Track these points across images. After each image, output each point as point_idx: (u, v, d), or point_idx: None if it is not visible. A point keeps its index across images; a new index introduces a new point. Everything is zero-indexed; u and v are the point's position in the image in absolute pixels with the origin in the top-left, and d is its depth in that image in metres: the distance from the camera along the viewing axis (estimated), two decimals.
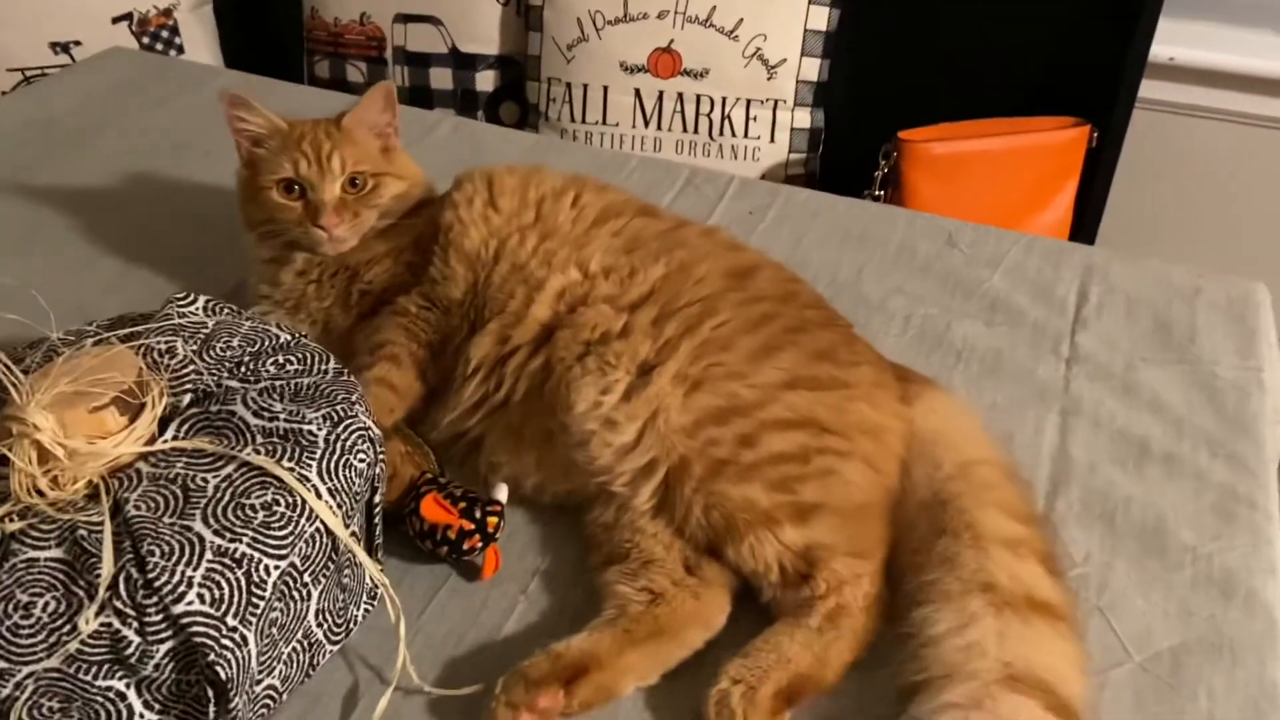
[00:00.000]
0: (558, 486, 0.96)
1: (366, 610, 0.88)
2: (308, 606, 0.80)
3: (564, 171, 1.12)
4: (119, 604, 0.70)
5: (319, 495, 0.79)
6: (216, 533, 0.74)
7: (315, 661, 0.82)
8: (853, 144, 2.06)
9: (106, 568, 0.71)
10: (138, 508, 0.75)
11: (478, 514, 0.90)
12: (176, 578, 0.71)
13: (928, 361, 1.14)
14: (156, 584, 0.70)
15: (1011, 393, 1.11)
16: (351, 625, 0.86)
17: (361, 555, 0.81)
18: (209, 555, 0.73)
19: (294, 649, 0.79)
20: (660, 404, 0.90)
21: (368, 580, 0.87)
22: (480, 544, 0.90)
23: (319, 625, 0.81)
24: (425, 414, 1.03)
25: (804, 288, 1.03)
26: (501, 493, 0.93)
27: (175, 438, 0.82)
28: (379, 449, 0.86)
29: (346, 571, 0.84)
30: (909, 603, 0.83)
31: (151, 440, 0.82)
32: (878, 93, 2.08)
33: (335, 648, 0.84)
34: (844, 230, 1.36)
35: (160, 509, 0.75)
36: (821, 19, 2.00)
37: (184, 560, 0.72)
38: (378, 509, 0.87)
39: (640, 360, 0.92)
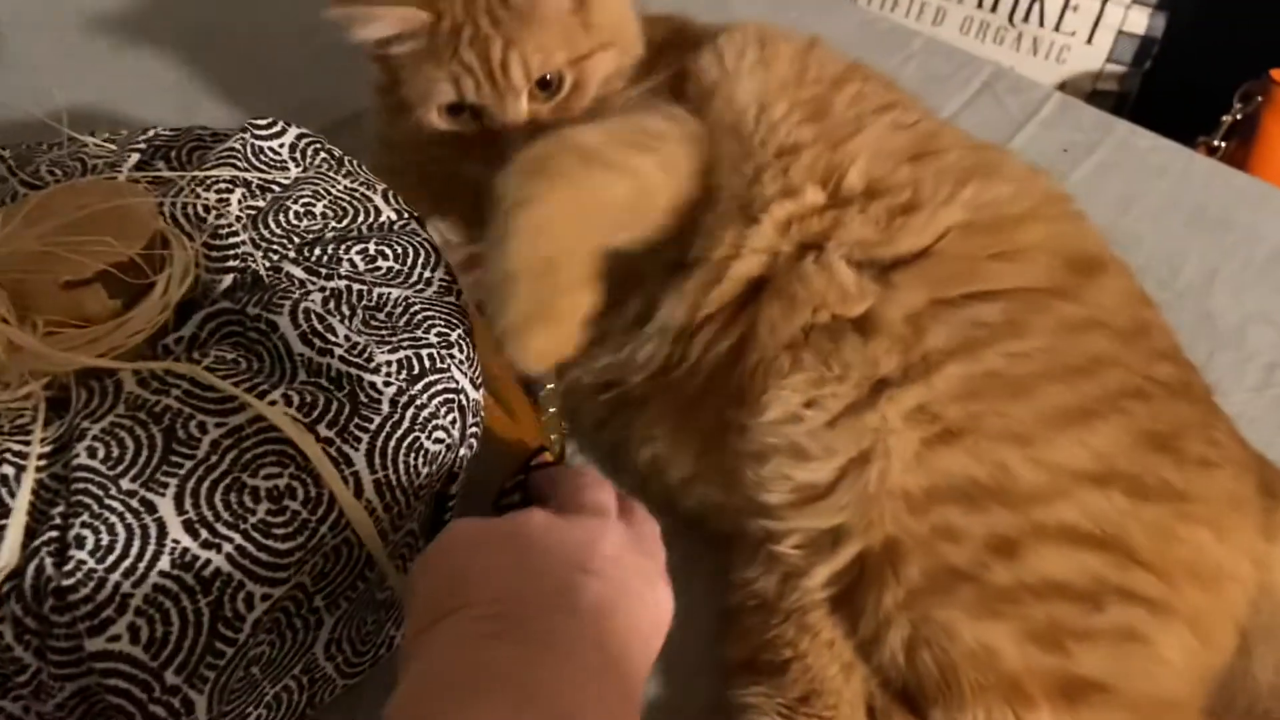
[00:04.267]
0: (710, 494, 0.66)
1: None
2: (315, 637, 0.54)
3: (841, 54, 0.76)
4: (16, 609, 0.46)
5: (360, 491, 0.52)
6: (188, 526, 0.48)
7: (317, 700, 0.57)
8: (1193, 68, 1.58)
9: (9, 548, 0.46)
10: (92, 451, 0.49)
11: None
12: (106, 592, 0.46)
13: None
14: (72, 596, 0.45)
15: None
16: (382, 651, 0.60)
17: (392, 574, 0.54)
18: (165, 563, 0.47)
19: (285, 688, 0.54)
20: (879, 443, 0.57)
21: None
22: None
23: (330, 659, 0.56)
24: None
25: (1156, 318, 0.66)
26: None
27: (181, 343, 0.55)
28: (471, 420, 0.58)
29: (387, 584, 0.58)
30: None
31: (158, 336, 0.56)
32: (1245, 5, 1.57)
33: (352, 681, 0.59)
34: (1197, 205, 0.96)
35: (122, 461, 0.49)
36: None
37: (125, 564, 0.46)
38: (454, 502, 0.60)
39: (879, 377, 0.60)
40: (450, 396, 0.56)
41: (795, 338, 0.61)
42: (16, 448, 0.49)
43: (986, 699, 0.53)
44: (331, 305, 0.58)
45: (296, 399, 0.52)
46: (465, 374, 0.57)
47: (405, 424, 0.54)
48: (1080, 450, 0.57)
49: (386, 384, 0.54)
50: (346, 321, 0.57)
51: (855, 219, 0.64)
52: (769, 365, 0.62)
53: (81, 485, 0.48)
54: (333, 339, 0.55)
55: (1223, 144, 1.46)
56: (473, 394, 0.58)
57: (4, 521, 0.46)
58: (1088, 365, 0.59)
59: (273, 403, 0.52)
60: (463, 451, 0.57)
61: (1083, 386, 0.59)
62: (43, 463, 0.49)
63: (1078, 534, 0.56)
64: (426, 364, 0.56)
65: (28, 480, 0.47)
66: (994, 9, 1.66)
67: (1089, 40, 1.64)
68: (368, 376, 0.54)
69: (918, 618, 0.55)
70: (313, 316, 0.56)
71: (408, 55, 0.71)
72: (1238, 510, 0.59)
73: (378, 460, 0.52)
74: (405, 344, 0.56)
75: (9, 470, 0.48)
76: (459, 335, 0.59)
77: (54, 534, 0.47)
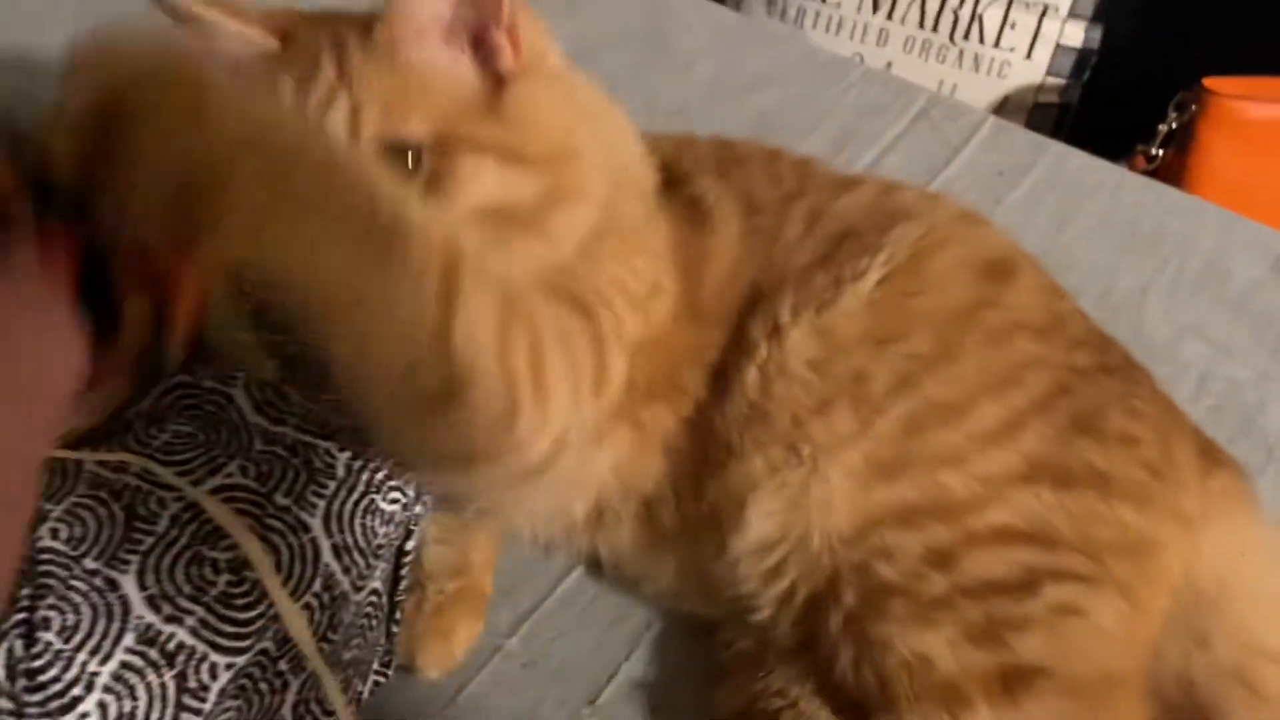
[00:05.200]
0: (692, 604, 0.68)
1: (377, 681, 0.63)
2: (282, 700, 0.56)
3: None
4: None
5: (318, 555, 0.54)
6: (150, 601, 0.50)
7: None
8: (1132, 78, 1.63)
9: None
10: (55, 532, 0.51)
11: None
12: (74, 671, 0.47)
13: None
14: (41, 677, 0.47)
15: None
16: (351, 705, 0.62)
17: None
18: (130, 639, 0.49)
19: None
20: (824, 505, 0.60)
21: (383, 640, 0.62)
22: None
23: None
24: None
25: (1068, 306, 0.69)
26: None
27: (142, 417, 0.57)
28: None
29: (356, 640, 0.60)
30: None
31: (121, 407, 0.58)
32: (1179, 17, 1.62)
33: None
34: (1130, 223, 0.99)
35: (85, 540, 0.51)
36: None
37: (91, 643, 0.48)
38: (409, 558, 0.61)
39: (837, 439, 0.61)
40: None
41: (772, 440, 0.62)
42: None
43: (922, 706, 0.56)
44: (288, 373, 0.60)
45: (253, 469, 0.54)
46: None
47: (360, 488, 0.56)
48: (1011, 456, 0.60)
49: (340, 449, 0.56)
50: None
51: (797, 335, 0.63)
52: (746, 474, 0.62)
53: (46, 567, 0.50)
54: (287, 406, 0.57)
55: (1158, 153, 1.50)
56: None
57: None
58: (1014, 373, 0.62)
59: (230, 474, 0.54)
60: (418, 509, 0.59)
61: (1011, 396, 0.61)
62: None
63: (1010, 533, 0.58)
64: None
65: None
66: (935, 28, 1.70)
67: (1028, 55, 1.68)
68: (322, 443, 0.56)
69: (858, 637, 0.57)
70: (267, 388, 0.58)
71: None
72: (1158, 479, 0.62)
73: (334, 524, 0.54)
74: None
75: None
76: None
77: (22, 616, 0.48)
